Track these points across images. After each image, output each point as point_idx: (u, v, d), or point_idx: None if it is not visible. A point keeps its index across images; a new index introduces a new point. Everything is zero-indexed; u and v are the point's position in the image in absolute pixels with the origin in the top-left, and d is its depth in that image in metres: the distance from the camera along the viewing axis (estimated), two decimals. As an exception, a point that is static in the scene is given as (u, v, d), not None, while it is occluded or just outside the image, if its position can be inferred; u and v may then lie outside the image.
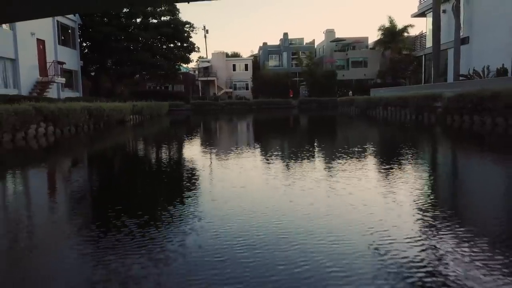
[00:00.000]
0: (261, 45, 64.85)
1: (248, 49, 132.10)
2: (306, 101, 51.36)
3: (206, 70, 60.02)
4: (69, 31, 30.70)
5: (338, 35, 60.00)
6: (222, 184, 6.34)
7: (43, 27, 25.34)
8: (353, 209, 4.41)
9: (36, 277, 3.03)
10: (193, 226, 3.97)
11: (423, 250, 3.18)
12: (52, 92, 25.18)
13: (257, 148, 11.87)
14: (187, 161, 9.51)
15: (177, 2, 25.45)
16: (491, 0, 23.35)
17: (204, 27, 72.42)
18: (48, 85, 24.62)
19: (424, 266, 2.89)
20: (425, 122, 19.10)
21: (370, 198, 4.93)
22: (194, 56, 70.51)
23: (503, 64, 20.08)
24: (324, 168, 7.59)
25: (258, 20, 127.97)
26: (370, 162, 8.20)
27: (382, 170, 7.05)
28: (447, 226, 3.78)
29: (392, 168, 7.08)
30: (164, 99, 42.19)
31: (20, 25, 22.10)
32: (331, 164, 7.94)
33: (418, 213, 4.24)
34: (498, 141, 11.90)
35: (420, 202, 4.69)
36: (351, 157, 8.50)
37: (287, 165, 7.86)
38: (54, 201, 5.78)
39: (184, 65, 52.18)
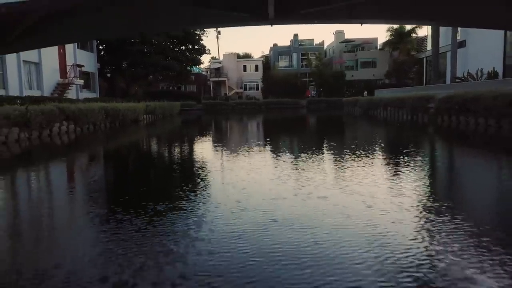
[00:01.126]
0: (272, 46, 66.15)
1: (259, 50, 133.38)
2: (314, 101, 52.54)
3: (217, 71, 61.64)
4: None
5: (348, 36, 61.01)
6: (232, 173, 7.81)
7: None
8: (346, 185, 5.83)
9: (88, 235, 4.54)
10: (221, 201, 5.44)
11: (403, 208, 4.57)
12: (71, 93, 27.01)
13: (263, 144, 13.32)
14: (198, 155, 11.03)
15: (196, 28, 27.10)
16: None
17: (216, 28, 74.08)
18: (68, 87, 26.45)
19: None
20: (419, 122, 20.28)
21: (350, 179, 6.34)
22: (205, 58, 72.24)
23: (493, 68, 21.09)
24: (314, 158, 9.01)
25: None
26: (349, 154, 9.57)
27: (360, 161, 8.43)
28: (416, 194, 5.17)
29: (367, 159, 8.46)
30: (177, 99, 43.86)
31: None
32: (323, 155, 9.35)
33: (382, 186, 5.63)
34: (475, 139, 13.12)
35: (390, 181, 6.08)
36: (340, 151, 9.89)
37: (288, 157, 9.29)
38: (87, 185, 7.34)
39: (196, 66, 53.85)
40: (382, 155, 9.64)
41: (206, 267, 3.10)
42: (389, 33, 50.97)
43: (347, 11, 5.48)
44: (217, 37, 68.89)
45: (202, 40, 46.82)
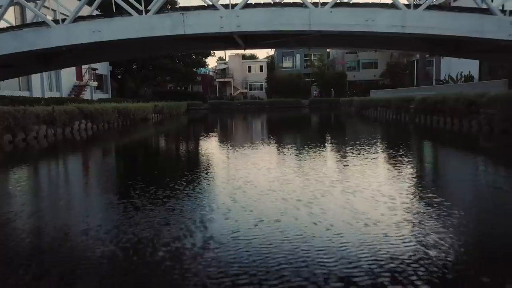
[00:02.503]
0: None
1: (264, 51, 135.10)
2: (316, 101, 54.66)
3: (223, 72, 64.04)
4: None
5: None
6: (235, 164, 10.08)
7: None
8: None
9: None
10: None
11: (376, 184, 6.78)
12: (86, 94, 29.52)
13: (265, 138, 15.56)
14: (205, 148, 13.32)
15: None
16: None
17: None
18: (83, 88, 28.96)
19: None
20: (400, 121, 22.36)
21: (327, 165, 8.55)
22: (211, 59, 74.49)
23: (469, 71, 23.08)
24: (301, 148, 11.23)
25: None
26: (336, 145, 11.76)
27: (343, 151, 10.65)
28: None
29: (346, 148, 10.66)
30: (184, 99, 46.27)
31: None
32: (310, 147, 11.56)
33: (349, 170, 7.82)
34: (437, 135, 15.26)
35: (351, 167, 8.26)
36: (321, 143, 12.11)
37: (285, 149, 11.53)
38: (109, 171, 9.67)
39: (201, 68, 56.26)
40: (347, 145, 11.80)
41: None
42: None
43: (297, 42, 7.50)
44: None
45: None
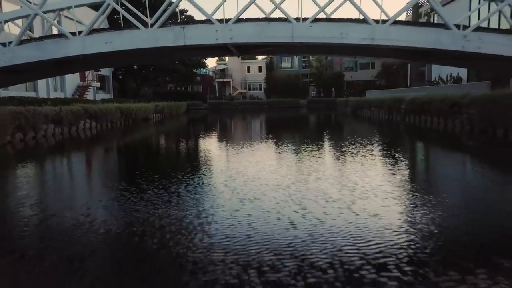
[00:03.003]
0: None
1: None
2: (314, 101, 55.63)
3: (222, 72, 65.04)
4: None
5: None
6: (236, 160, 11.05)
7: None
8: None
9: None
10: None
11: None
12: (89, 95, 30.47)
13: (260, 137, 16.51)
14: (202, 146, 14.28)
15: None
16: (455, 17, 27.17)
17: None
18: (87, 89, 29.92)
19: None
20: (392, 120, 23.31)
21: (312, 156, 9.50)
22: (211, 60, 75.40)
23: (458, 73, 24.03)
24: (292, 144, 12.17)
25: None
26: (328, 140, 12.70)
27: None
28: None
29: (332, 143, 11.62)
30: (184, 99, 47.24)
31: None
32: (300, 141, 12.52)
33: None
34: (421, 134, 16.24)
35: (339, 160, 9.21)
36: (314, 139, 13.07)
37: (276, 146, 12.50)
38: (115, 165, 10.64)
39: (201, 69, 57.25)
40: (333, 142, 12.75)
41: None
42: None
43: (285, 49, 8.45)
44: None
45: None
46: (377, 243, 3.48)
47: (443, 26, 6.56)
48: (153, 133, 21.39)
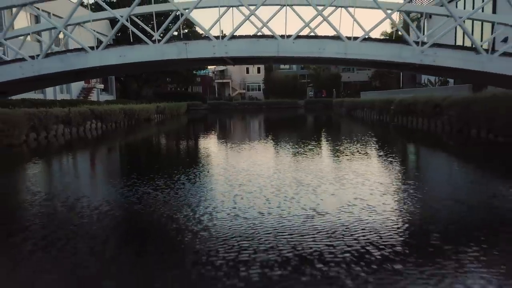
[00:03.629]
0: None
1: None
2: (312, 102, 56.89)
3: (222, 73, 66.29)
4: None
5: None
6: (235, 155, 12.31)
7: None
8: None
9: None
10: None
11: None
12: (93, 96, 31.72)
13: (256, 135, 17.76)
14: (202, 143, 15.53)
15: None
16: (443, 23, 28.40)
17: (222, 31, 78.64)
18: (91, 90, 31.18)
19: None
20: (383, 121, 24.56)
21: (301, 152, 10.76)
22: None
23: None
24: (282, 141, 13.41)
25: (272, 26, 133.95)
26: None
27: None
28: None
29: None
30: (184, 99, 48.49)
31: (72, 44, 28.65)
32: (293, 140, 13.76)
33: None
34: (405, 133, 17.51)
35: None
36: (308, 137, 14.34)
37: (267, 143, 13.76)
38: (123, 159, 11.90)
39: (200, 71, 58.49)
40: (323, 139, 14.01)
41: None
42: (382, 37, 55.14)
43: (274, 60, 9.67)
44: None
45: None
46: (326, 211, 4.77)
47: (405, 42, 7.80)
48: (156, 132, 22.64)
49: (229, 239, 3.88)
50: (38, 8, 8.62)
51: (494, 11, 21.10)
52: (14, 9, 9.01)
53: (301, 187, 6.04)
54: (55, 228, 4.54)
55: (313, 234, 3.98)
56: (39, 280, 3.23)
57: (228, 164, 8.84)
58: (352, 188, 5.97)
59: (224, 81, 65.23)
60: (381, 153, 10.83)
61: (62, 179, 8.14)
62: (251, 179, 6.76)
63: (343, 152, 10.49)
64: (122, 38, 30.60)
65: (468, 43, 16.78)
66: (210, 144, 14.77)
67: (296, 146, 12.31)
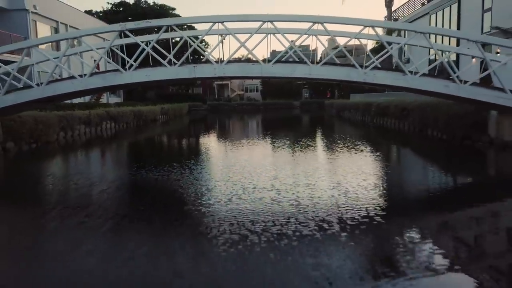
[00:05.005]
0: (271, 51, 73.39)
1: (259, 54, 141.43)
2: (306, 103, 59.82)
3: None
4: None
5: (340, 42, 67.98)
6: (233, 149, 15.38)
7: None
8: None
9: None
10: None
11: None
12: (104, 99, 34.69)
13: (250, 132, 20.76)
14: (202, 140, 18.57)
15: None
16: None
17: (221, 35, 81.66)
18: (102, 94, 34.14)
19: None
20: (365, 121, 27.61)
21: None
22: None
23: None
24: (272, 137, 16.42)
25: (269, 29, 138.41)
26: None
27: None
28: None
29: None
30: (185, 100, 51.42)
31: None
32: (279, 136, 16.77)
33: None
34: (376, 132, 20.57)
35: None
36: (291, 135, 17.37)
37: (257, 139, 16.78)
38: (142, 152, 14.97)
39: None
40: (306, 136, 17.04)
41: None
42: (374, 41, 58.10)
43: (260, 77, 12.64)
44: (222, 43, 76.14)
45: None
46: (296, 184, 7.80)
47: (353, 66, 10.76)
48: (163, 131, 25.67)
49: (223, 193, 6.95)
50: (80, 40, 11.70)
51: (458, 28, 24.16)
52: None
53: (281, 171, 9.07)
54: (115, 189, 7.59)
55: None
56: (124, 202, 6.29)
57: (221, 155, 11.85)
58: (310, 172, 9.03)
59: (224, 82, 68.09)
60: (348, 146, 13.87)
61: (103, 166, 11.16)
62: (245, 167, 9.78)
63: (316, 146, 13.53)
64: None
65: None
66: (210, 140, 17.82)
67: (281, 139, 15.35)
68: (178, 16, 45.72)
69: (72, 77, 11.47)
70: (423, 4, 31.81)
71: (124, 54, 12.24)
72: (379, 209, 6.04)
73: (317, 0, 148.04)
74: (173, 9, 47.44)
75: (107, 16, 42.07)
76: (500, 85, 10.74)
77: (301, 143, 14.70)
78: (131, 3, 44.70)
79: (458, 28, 24.21)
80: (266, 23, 10.68)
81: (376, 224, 5.35)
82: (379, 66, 11.14)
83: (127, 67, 11.15)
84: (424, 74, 10.77)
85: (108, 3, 55.55)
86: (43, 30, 26.46)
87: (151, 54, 11.41)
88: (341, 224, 5.26)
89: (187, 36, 11.83)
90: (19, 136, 15.03)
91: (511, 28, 17.11)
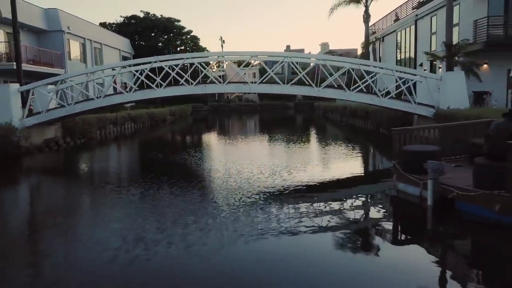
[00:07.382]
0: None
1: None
2: (300, 104, 65.08)
3: (221, 78, 74.48)
4: (128, 59, 45.66)
5: (332, 47, 73.90)
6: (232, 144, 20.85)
7: (114, 59, 40.32)
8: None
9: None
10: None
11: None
12: (120, 101, 40.14)
13: (245, 130, 26.17)
14: (205, 136, 24.03)
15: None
16: (390, 46, 36.65)
17: (221, 37, 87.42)
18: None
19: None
20: (342, 121, 33.02)
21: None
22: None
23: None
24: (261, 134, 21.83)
25: (266, 34, 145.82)
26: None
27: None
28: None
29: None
30: (188, 102, 56.65)
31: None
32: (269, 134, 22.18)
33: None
34: (344, 129, 26.10)
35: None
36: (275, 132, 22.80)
37: (248, 136, 22.21)
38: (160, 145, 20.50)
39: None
40: (284, 133, 22.44)
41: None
42: (361, 46, 63.45)
43: (248, 92, 18.37)
44: (222, 46, 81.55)
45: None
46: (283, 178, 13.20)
47: (312, 86, 16.21)
48: (174, 130, 31.11)
49: (219, 174, 12.40)
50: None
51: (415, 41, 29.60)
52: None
53: (271, 161, 14.45)
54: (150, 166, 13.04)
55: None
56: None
57: (220, 150, 17.26)
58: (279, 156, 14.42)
59: (223, 85, 73.59)
60: (315, 138, 19.29)
61: (139, 154, 16.55)
62: (239, 159, 15.16)
63: (292, 141, 18.91)
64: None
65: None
66: (212, 137, 23.23)
67: (264, 136, 20.73)
68: (182, 27, 51.23)
69: (121, 92, 16.91)
70: (395, 20, 37.20)
71: (155, 75, 17.66)
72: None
73: (308, 8, 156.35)
74: (178, 20, 52.56)
75: (120, 28, 47.17)
76: (409, 99, 16.22)
77: (286, 138, 19.99)
78: (141, 16, 49.83)
79: (415, 44, 29.69)
80: (254, 56, 16.17)
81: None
82: (333, 84, 16.67)
83: (154, 84, 16.56)
84: (359, 91, 16.22)
85: (121, 16, 60.75)
86: (74, 46, 31.88)
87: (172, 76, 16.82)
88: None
89: (197, 63, 17.25)
90: (73, 133, 20.50)
91: (441, 51, 22.45)
